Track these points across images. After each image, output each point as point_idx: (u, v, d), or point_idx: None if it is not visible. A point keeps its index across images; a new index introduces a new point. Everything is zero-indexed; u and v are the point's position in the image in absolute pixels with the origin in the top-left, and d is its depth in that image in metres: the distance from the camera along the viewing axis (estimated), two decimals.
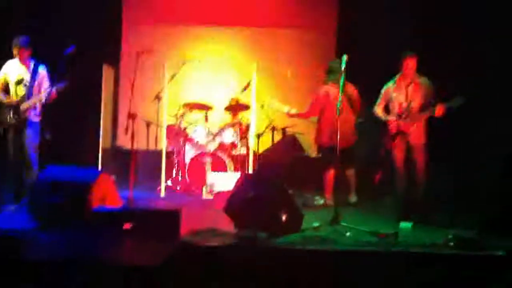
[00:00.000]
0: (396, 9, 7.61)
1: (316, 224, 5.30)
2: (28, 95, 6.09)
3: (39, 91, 6.14)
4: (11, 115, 6.03)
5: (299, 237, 4.92)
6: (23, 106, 6.05)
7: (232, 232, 4.98)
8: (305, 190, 7.31)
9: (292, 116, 6.67)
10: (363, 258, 4.54)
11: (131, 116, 6.32)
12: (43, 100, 6.09)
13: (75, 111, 7.58)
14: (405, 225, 5.49)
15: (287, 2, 8.73)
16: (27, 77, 6.14)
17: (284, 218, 4.96)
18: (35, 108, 6.14)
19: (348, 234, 5.09)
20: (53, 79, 6.11)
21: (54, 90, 6.02)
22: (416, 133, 6.05)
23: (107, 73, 8.29)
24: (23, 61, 6.17)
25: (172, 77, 7.42)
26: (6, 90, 6.16)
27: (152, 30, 8.56)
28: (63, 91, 6.10)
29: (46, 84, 6.21)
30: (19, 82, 6.14)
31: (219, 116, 8.15)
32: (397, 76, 6.16)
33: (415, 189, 6.07)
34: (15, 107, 6.04)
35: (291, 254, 4.55)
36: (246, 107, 7.74)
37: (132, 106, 6.37)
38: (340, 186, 6.34)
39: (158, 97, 7.52)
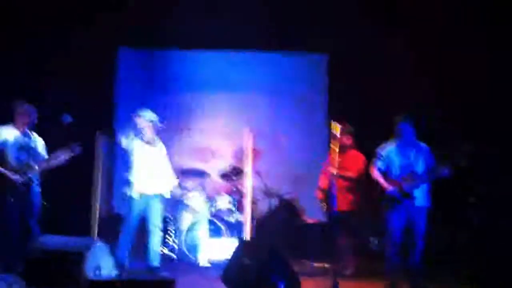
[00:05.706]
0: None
1: None
2: (31, 160, 6.11)
3: (37, 157, 6.18)
4: (20, 181, 6.01)
5: None
6: (42, 166, 6.10)
7: None
8: (303, 257, 7.20)
9: None
10: None
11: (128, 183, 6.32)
12: (62, 162, 6.17)
13: (69, 178, 7.52)
14: None
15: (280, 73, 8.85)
16: (29, 143, 6.17)
17: (282, 286, 4.89)
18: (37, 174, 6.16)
19: None
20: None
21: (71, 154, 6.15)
22: (419, 196, 5.90)
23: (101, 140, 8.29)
24: (21, 127, 6.18)
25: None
26: None
27: (147, 98, 8.63)
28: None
29: (43, 149, 6.28)
30: (21, 148, 6.15)
31: (216, 183, 8.13)
32: (396, 139, 6.14)
33: (413, 255, 5.88)
34: (24, 172, 6.05)
35: None
36: (242, 174, 7.73)
37: (128, 174, 6.37)
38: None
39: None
